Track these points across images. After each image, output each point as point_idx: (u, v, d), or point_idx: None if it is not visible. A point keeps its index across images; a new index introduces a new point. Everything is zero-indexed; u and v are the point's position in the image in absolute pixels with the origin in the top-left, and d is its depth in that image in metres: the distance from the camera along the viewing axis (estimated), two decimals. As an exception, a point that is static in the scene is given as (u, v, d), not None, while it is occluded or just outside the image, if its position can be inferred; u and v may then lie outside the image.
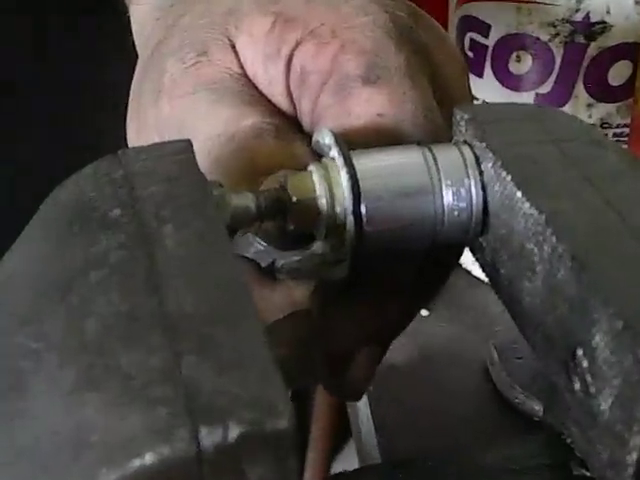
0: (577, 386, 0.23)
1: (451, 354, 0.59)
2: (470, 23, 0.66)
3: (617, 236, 0.25)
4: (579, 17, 0.61)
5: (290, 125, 0.32)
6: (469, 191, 0.29)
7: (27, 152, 0.60)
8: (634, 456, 0.21)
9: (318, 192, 0.28)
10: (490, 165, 0.28)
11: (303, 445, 1.14)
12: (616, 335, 0.21)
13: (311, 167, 0.29)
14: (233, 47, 0.33)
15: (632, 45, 0.63)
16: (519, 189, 0.26)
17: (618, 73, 0.64)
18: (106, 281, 0.22)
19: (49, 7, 0.59)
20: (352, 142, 0.29)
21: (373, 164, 0.29)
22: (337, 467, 1.19)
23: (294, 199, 0.28)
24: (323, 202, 0.28)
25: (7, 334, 0.22)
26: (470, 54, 0.66)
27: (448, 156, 0.29)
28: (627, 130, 0.66)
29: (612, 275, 0.23)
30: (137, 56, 0.39)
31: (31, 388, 0.20)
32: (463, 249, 0.33)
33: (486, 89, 0.65)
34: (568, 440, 0.26)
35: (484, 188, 0.29)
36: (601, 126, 0.65)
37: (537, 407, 0.52)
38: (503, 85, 0.65)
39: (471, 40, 0.66)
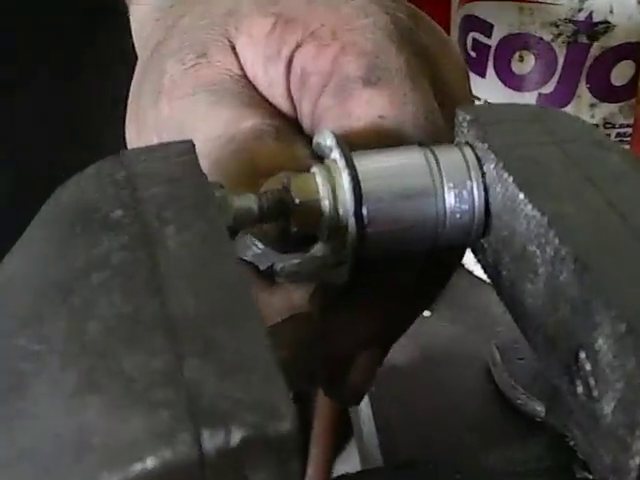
0: (580, 389, 0.23)
1: (453, 354, 0.59)
2: (472, 23, 0.66)
3: (619, 238, 0.24)
4: (582, 17, 0.61)
5: (290, 127, 0.32)
6: (471, 193, 0.29)
7: (27, 152, 0.60)
8: (637, 461, 0.21)
9: (321, 194, 0.28)
10: (492, 166, 0.28)
11: (305, 444, 1.14)
12: (619, 338, 0.21)
13: (314, 169, 0.29)
14: (233, 48, 0.33)
15: (635, 45, 0.62)
16: (521, 190, 0.26)
17: (621, 73, 0.64)
18: (108, 283, 0.22)
19: (49, 7, 0.59)
20: (353, 144, 0.29)
21: (374, 165, 0.29)
22: (339, 468, 1.18)
23: (297, 201, 0.28)
24: (326, 204, 0.28)
25: (8, 336, 0.22)
26: (472, 54, 0.66)
27: (450, 157, 0.29)
28: (630, 130, 0.65)
29: (614, 277, 0.23)
30: (137, 57, 0.39)
31: (32, 390, 0.20)
32: (465, 251, 0.33)
33: (488, 89, 0.65)
34: (571, 442, 0.26)
35: (486, 189, 0.28)
36: (604, 126, 0.65)
37: (539, 408, 0.52)
38: (506, 85, 0.65)
39: (473, 40, 0.66)
